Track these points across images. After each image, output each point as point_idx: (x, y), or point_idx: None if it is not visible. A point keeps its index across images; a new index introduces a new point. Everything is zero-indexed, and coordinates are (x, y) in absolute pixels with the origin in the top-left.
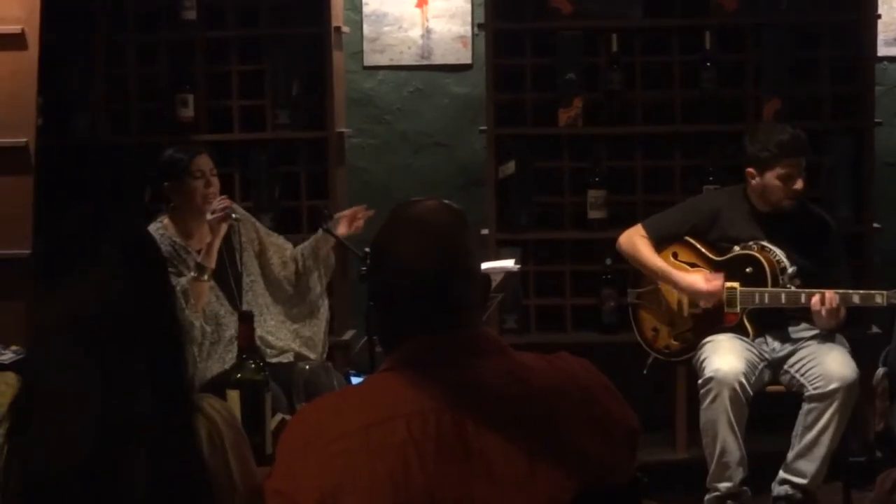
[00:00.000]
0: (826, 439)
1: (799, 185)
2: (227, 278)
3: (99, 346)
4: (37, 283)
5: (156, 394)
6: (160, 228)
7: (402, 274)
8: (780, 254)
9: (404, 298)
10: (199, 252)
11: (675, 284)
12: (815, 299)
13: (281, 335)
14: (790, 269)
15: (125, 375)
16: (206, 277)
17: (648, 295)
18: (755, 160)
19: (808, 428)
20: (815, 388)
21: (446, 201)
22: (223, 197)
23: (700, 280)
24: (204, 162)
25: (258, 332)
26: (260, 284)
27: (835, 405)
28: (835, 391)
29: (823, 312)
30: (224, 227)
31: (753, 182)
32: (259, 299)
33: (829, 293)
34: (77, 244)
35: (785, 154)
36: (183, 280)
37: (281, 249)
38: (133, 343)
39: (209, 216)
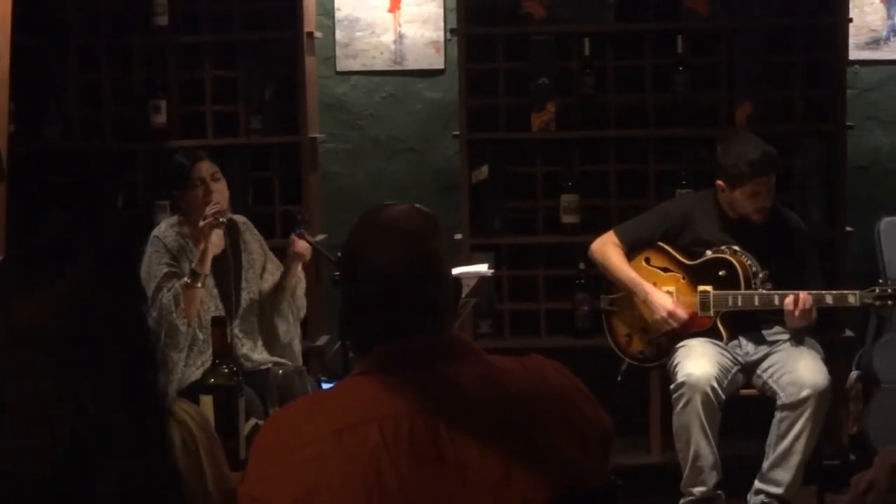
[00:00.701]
0: (800, 447)
1: (766, 201)
2: (230, 292)
3: (69, 355)
4: (5, 292)
5: (128, 402)
6: (174, 224)
7: (373, 278)
8: (751, 258)
9: (375, 303)
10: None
11: (645, 298)
12: (789, 300)
13: (262, 355)
14: (761, 274)
15: (96, 384)
16: (199, 284)
17: (621, 301)
18: (726, 175)
19: (782, 437)
20: (787, 396)
21: (417, 205)
22: (215, 202)
23: (669, 302)
24: (204, 168)
25: (243, 350)
26: (256, 305)
27: (807, 413)
28: (806, 399)
29: (797, 313)
30: (216, 234)
31: (722, 195)
32: (252, 317)
33: (802, 294)
34: (48, 252)
35: (756, 174)
36: (178, 284)
37: (276, 269)
38: (105, 352)
39: (201, 222)
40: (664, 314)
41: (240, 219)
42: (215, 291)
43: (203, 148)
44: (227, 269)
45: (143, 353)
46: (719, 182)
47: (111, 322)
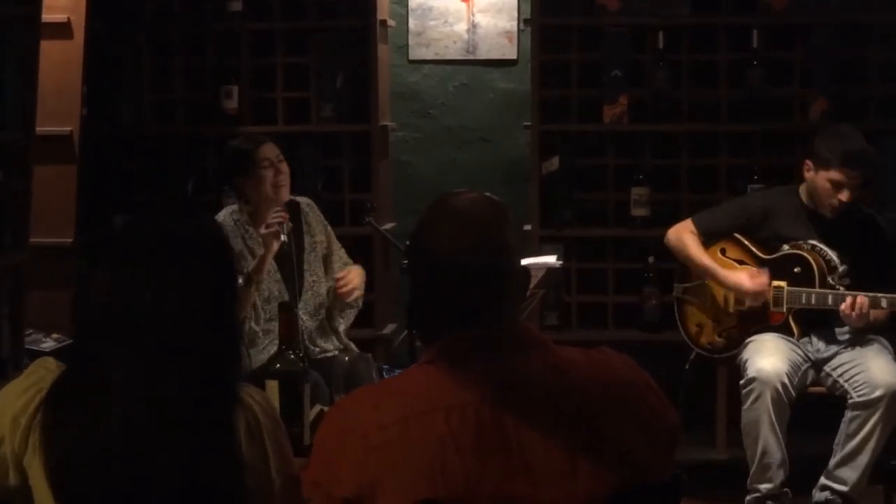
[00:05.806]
0: (869, 448)
1: (844, 196)
2: (293, 275)
3: (145, 339)
4: (92, 272)
5: (198, 388)
6: (234, 213)
7: (441, 266)
8: (830, 253)
9: (443, 291)
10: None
11: (721, 282)
12: (846, 304)
13: (329, 341)
14: (840, 269)
15: (170, 367)
16: (253, 288)
17: (694, 290)
18: (816, 156)
19: (851, 436)
20: (859, 396)
21: (487, 194)
22: (279, 210)
23: (745, 278)
24: (269, 150)
25: (309, 333)
26: (322, 286)
27: (879, 413)
28: (879, 399)
29: (853, 315)
30: (276, 244)
31: (807, 174)
32: (318, 299)
33: (859, 297)
34: (139, 238)
35: (846, 164)
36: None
37: (342, 263)
38: (183, 338)
39: (263, 230)
40: (747, 288)
41: (304, 200)
42: (278, 276)
43: (273, 135)
44: (289, 252)
45: (221, 344)
46: (807, 161)
47: (191, 311)
